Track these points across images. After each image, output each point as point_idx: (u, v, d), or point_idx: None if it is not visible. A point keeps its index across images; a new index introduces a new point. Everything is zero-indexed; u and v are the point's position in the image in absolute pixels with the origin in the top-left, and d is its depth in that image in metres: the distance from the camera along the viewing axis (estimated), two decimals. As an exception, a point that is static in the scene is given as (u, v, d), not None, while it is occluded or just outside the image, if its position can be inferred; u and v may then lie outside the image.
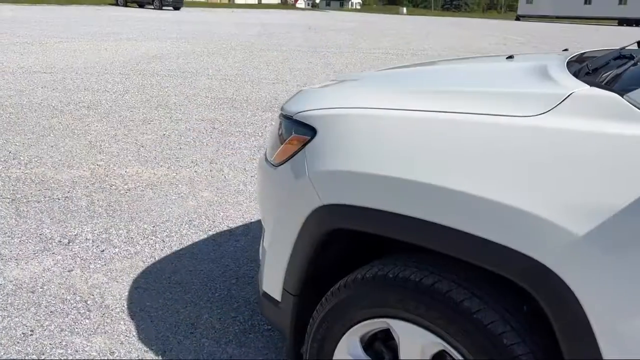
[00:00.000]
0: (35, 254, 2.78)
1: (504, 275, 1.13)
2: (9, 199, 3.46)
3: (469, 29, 27.48)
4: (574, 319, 1.03)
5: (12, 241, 2.90)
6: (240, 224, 3.27)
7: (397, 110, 1.34)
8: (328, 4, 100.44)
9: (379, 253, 1.48)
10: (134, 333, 2.20)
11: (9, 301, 2.36)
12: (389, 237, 1.34)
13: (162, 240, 3.00)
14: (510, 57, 1.74)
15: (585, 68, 1.33)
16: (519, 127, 1.12)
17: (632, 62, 1.37)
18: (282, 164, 1.57)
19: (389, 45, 16.00)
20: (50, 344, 2.10)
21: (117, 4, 34.92)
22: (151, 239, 3.00)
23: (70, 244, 2.90)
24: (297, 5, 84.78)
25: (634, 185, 0.97)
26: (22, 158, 4.26)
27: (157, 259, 2.79)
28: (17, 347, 2.07)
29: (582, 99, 1.10)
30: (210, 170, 4.19)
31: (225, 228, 3.20)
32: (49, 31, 15.10)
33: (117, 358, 2.04)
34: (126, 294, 2.46)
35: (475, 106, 1.23)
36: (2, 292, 2.42)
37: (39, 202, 3.43)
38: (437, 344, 1.26)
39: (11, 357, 2.01)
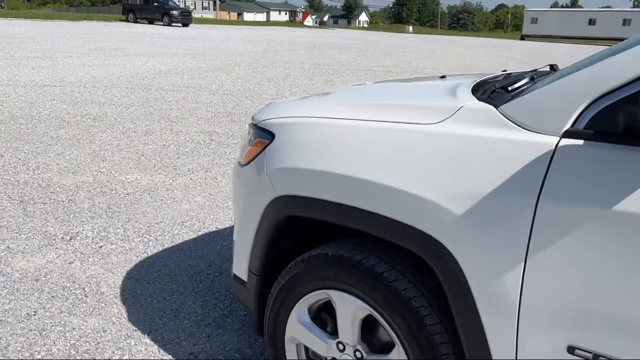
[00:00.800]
0: (39, 248, 3.08)
1: (409, 248, 1.42)
2: (17, 200, 3.78)
3: (473, 48, 27.89)
4: (456, 280, 1.32)
5: (20, 237, 3.20)
6: (228, 226, 3.56)
7: (336, 119, 1.64)
8: (335, 22, 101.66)
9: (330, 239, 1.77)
10: (125, 315, 2.48)
11: (16, 287, 2.65)
12: (330, 221, 1.62)
13: (155, 238, 3.30)
14: (443, 77, 2.04)
15: (492, 86, 1.62)
16: (422, 132, 1.42)
17: (532, 82, 1.66)
18: (248, 163, 1.88)
19: (390, 63, 16.39)
20: (50, 322, 2.39)
21: (127, 20, 35.67)
22: (145, 237, 3.29)
23: (72, 240, 3.20)
24: (305, 22, 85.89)
25: (497, 175, 1.26)
26: (30, 164, 4.59)
27: (149, 254, 3.09)
28: (21, 325, 2.36)
29: (468, 110, 1.40)
30: (205, 178, 4.49)
31: (214, 229, 3.50)
32: (60, 46, 15.60)
33: (109, 335, 2.33)
34: (120, 283, 2.76)
35: (396, 115, 1.53)
36: (9, 280, 2.71)
37: (44, 203, 3.74)
38: (364, 309, 1.55)
39: (16, 333, 2.30)
